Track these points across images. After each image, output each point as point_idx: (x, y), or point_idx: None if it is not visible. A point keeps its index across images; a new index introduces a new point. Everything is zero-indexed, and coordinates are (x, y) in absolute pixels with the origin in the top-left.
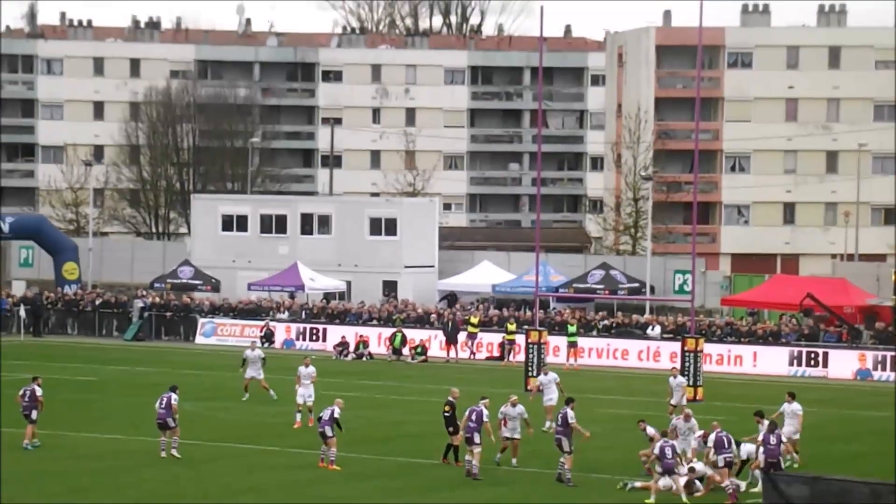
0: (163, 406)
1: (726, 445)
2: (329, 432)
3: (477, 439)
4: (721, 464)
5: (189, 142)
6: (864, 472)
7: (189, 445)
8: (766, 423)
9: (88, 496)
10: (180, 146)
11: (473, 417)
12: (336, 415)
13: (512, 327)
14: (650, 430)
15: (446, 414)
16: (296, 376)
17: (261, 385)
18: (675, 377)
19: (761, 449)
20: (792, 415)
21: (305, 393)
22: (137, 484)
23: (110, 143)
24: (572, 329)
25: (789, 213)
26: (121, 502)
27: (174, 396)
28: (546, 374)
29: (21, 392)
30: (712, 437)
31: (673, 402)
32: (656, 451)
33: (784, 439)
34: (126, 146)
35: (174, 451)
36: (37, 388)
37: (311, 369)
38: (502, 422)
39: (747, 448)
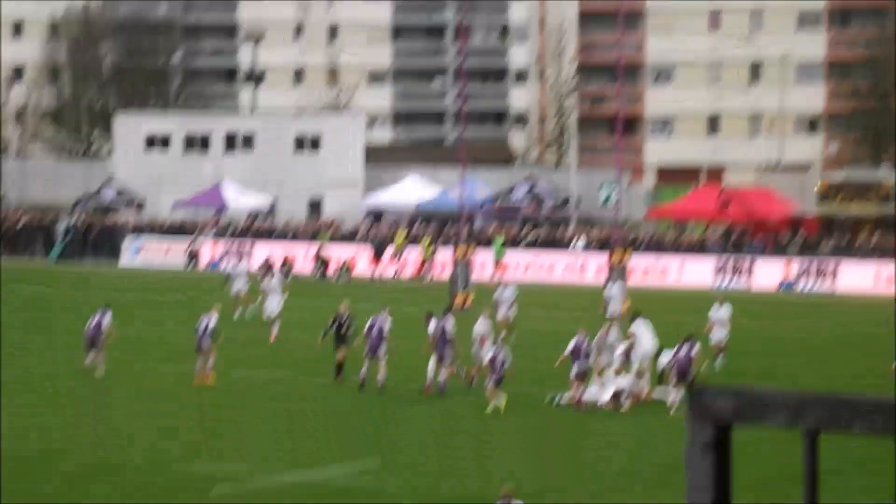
0: (93, 324)
1: (581, 357)
2: (206, 345)
3: (381, 352)
4: (572, 373)
5: (110, 61)
6: (787, 384)
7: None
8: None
9: (18, 418)
10: (102, 65)
11: (376, 331)
12: (213, 325)
13: (426, 242)
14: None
15: (332, 327)
16: (261, 290)
17: (246, 301)
18: (608, 287)
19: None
20: (720, 321)
21: (272, 306)
22: (58, 406)
23: (30, 62)
24: (498, 244)
25: (713, 124)
26: (51, 423)
27: (107, 316)
28: (506, 287)
29: None
30: (572, 343)
31: (611, 311)
32: (570, 346)
33: (714, 343)
34: (47, 66)
35: (98, 371)
36: None
37: (277, 278)
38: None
39: (666, 359)
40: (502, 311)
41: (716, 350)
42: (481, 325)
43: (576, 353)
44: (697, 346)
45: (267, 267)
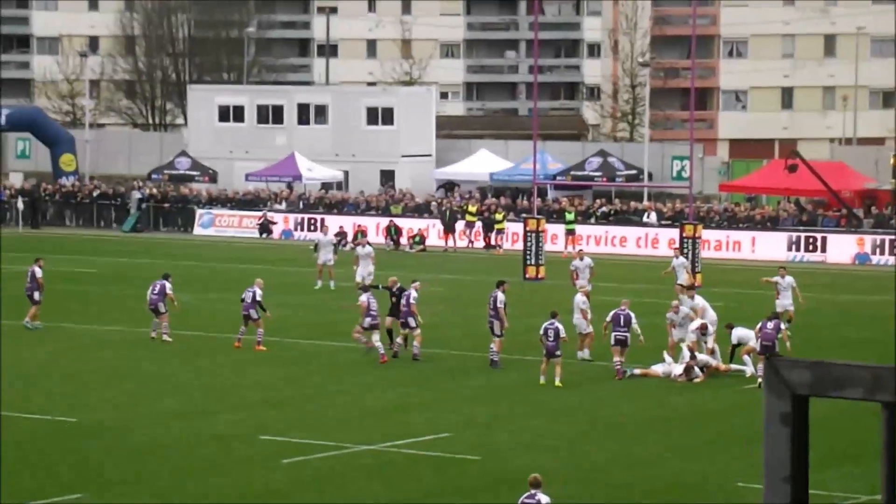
0: (155, 292)
1: (622, 324)
2: (254, 315)
3: (412, 322)
4: (612, 341)
5: (184, 32)
6: (863, 357)
7: (187, 337)
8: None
9: (88, 387)
10: (175, 37)
11: (405, 301)
12: (258, 297)
13: (500, 216)
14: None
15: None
16: (354, 257)
17: (328, 271)
18: (676, 257)
19: (755, 335)
20: (787, 287)
21: (364, 271)
22: (137, 377)
23: (106, 33)
24: (570, 217)
25: (787, 97)
26: (120, 392)
27: (167, 284)
28: (581, 258)
29: (26, 275)
30: (612, 313)
31: (680, 281)
32: (610, 315)
33: (780, 311)
34: (122, 37)
35: (165, 336)
36: (37, 269)
37: (369, 249)
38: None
39: (738, 333)
40: (581, 281)
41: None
42: (579, 297)
43: (615, 321)
44: (784, 325)
45: (341, 235)
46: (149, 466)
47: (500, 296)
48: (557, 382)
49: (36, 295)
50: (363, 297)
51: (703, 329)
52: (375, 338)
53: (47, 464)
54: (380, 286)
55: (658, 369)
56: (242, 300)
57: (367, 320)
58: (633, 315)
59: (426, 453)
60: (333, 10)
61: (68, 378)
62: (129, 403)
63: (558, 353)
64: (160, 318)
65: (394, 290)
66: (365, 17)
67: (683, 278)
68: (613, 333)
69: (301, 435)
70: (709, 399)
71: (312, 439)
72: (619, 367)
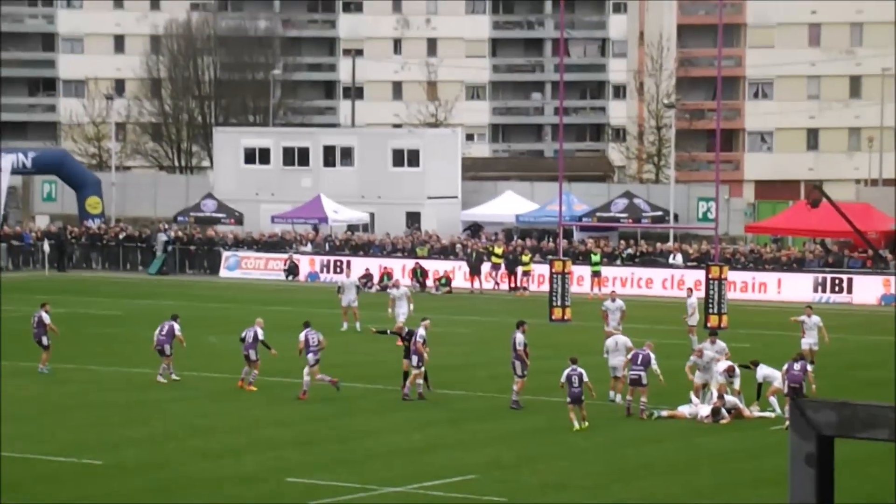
0: (163, 333)
1: (639, 363)
2: (253, 356)
3: (414, 361)
4: (628, 381)
5: (210, 75)
6: (889, 398)
7: (215, 379)
8: (760, 367)
9: (115, 430)
10: (201, 79)
11: (412, 340)
12: (260, 336)
13: (526, 258)
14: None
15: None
16: (390, 298)
17: (353, 313)
18: (689, 297)
19: (782, 376)
20: (812, 326)
21: (401, 312)
22: (165, 417)
23: (132, 76)
24: (596, 258)
25: (813, 138)
26: (149, 435)
27: (176, 325)
28: (613, 300)
29: (32, 319)
30: (632, 352)
31: (691, 321)
32: (629, 354)
33: (805, 350)
34: (147, 80)
35: (173, 375)
36: (44, 314)
37: (404, 289)
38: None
39: (763, 371)
40: (612, 324)
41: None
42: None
43: (633, 359)
44: (810, 366)
45: (367, 278)
46: None
47: (520, 337)
48: (585, 425)
49: (44, 340)
50: (301, 334)
51: (730, 371)
52: (320, 376)
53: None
54: (388, 331)
55: (685, 410)
56: (242, 339)
57: (311, 356)
58: (652, 356)
59: (453, 495)
60: (359, 53)
61: (94, 419)
62: (155, 443)
63: (583, 398)
64: (165, 360)
65: (403, 334)
66: (391, 59)
67: (695, 319)
68: (630, 373)
69: (328, 476)
70: (736, 440)
71: (339, 481)
72: (628, 403)
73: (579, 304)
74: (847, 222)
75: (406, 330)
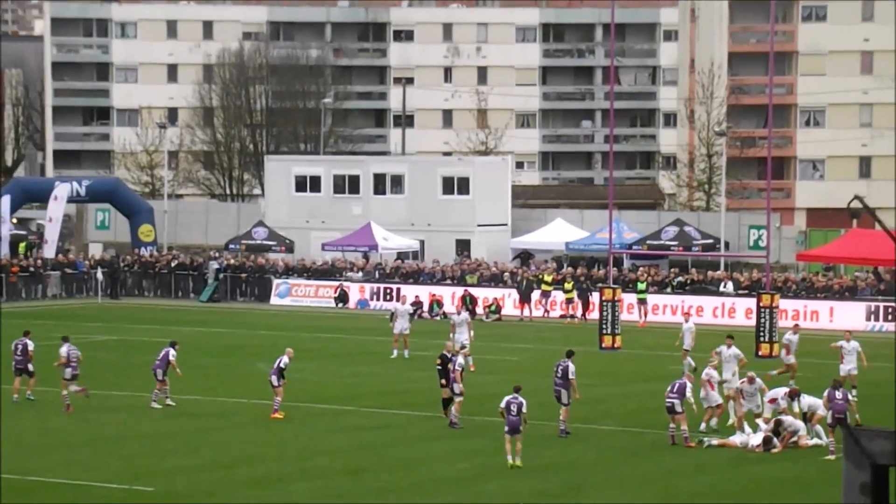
0: (158, 359)
1: (674, 391)
2: (275, 381)
3: (456, 389)
4: (678, 409)
5: (262, 103)
6: None
7: (263, 405)
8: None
9: (166, 457)
10: (253, 108)
11: (451, 368)
12: (283, 364)
13: (569, 286)
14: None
15: (438, 367)
16: (451, 324)
17: (404, 340)
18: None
19: (823, 405)
20: (852, 351)
21: (461, 338)
22: (213, 445)
23: (184, 105)
24: (642, 286)
25: (865, 166)
26: (198, 463)
27: (172, 351)
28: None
29: (13, 346)
30: (678, 382)
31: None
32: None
33: (844, 376)
34: (199, 108)
35: (168, 400)
36: (29, 342)
37: (465, 315)
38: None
39: (808, 401)
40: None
41: (848, 381)
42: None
43: (671, 387)
44: (851, 394)
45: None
46: None
47: (571, 367)
48: (517, 462)
49: (30, 367)
50: (63, 349)
51: (791, 395)
52: (73, 388)
53: None
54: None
55: (736, 440)
56: (273, 366)
57: (68, 371)
58: (688, 385)
59: None
60: (410, 81)
61: (145, 447)
62: (205, 471)
63: (521, 427)
64: (159, 384)
65: (448, 356)
66: (441, 87)
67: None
68: (666, 400)
69: None
70: (787, 470)
71: None
72: (671, 432)
73: (629, 332)
74: (891, 238)
75: (451, 354)
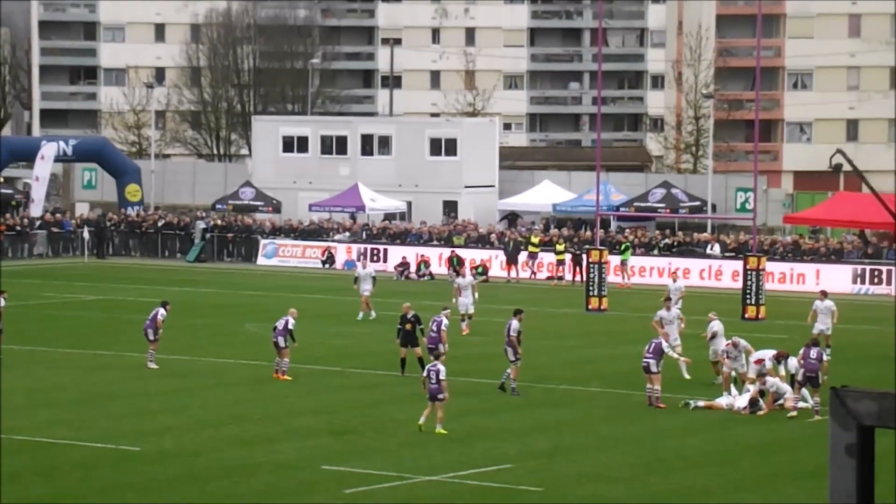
0: (149, 318)
1: (650, 351)
2: (282, 343)
3: (441, 349)
4: (654, 369)
5: (249, 63)
6: None
7: (252, 366)
8: (789, 359)
9: (153, 417)
10: (241, 68)
11: (434, 328)
12: (290, 325)
13: (560, 247)
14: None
15: (399, 326)
16: (455, 287)
17: (366, 301)
18: (674, 280)
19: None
20: (825, 311)
21: (466, 302)
22: (200, 405)
23: (171, 65)
24: (626, 250)
25: (852, 129)
26: (185, 422)
27: (161, 311)
28: (675, 280)
29: None
30: (654, 342)
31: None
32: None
33: (817, 334)
34: (187, 68)
35: (150, 363)
36: (2, 300)
37: (470, 278)
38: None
39: (794, 363)
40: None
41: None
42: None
43: (647, 348)
44: (825, 355)
45: (403, 266)
46: (211, 493)
47: (515, 324)
48: (440, 429)
49: None
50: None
51: (778, 357)
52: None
53: (109, 489)
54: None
55: (722, 402)
56: (275, 328)
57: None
58: (664, 344)
59: (488, 484)
60: (398, 42)
61: (132, 406)
62: (192, 430)
63: (440, 396)
64: (151, 345)
65: (408, 316)
66: (429, 48)
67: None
68: (642, 361)
69: (363, 465)
70: (774, 431)
71: (374, 469)
72: (648, 393)
73: (615, 294)
74: (886, 210)
75: (412, 314)
